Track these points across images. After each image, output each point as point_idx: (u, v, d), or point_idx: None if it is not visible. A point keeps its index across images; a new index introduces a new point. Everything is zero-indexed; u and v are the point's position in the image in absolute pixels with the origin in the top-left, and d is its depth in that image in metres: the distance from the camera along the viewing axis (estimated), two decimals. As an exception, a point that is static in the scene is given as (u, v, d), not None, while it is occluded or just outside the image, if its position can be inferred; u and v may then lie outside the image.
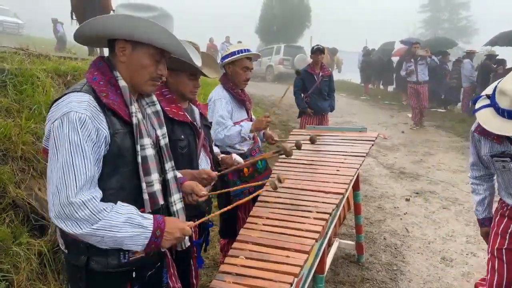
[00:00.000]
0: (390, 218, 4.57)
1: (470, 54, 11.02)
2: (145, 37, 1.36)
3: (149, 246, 1.33)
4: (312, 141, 2.73)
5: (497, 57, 10.29)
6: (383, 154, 7.40)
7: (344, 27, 53.28)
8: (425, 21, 41.00)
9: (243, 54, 2.72)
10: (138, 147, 1.39)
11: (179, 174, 1.78)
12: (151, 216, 1.35)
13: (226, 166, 2.54)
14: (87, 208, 1.23)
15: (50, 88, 3.14)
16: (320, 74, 5.58)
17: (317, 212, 1.97)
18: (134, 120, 1.39)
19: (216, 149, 2.60)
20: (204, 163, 2.28)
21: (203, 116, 2.36)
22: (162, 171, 1.55)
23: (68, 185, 1.23)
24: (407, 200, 5.13)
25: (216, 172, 2.10)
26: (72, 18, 6.48)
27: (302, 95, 5.69)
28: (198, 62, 1.59)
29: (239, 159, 2.48)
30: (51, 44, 12.72)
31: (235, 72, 2.75)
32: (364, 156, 2.81)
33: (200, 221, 1.58)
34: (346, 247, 3.66)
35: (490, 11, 41.92)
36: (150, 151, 1.45)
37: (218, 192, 2.06)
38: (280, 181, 1.69)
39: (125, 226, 1.28)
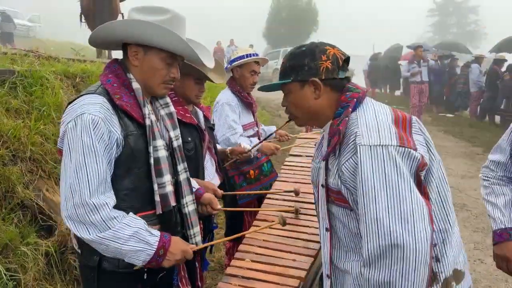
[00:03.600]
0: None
1: (478, 59, 10.93)
2: (155, 42, 1.38)
3: (149, 263, 1.34)
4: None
5: (507, 63, 10.19)
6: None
7: (351, 31, 53.25)
8: (433, 25, 40.88)
9: (251, 58, 2.73)
10: (151, 149, 1.41)
11: (196, 184, 1.81)
12: (158, 234, 1.37)
13: (237, 157, 2.55)
14: (99, 213, 1.26)
15: (59, 90, 3.18)
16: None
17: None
18: (147, 122, 1.41)
19: (219, 146, 2.61)
20: (210, 164, 2.30)
21: (206, 119, 2.37)
22: (175, 173, 1.57)
23: (82, 186, 1.25)
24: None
25: (222, 191, 2.13)
26: (81, 21, 6.56)
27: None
28: (210, 64, 1.60)
29: (247, 146, 2.51)
30: (62, 46, 12.85)
31: (242, 76, 2.76)
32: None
33: (201, 246, 1.59)
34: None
35: (499, 15, 41.66)
36: (163, 153, 1.47)
37: (230, 209, 2.10)
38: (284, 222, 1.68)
39: (130, 240, 1.30)
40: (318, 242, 1.76)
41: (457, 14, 39.32)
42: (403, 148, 1.13)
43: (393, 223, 1.08)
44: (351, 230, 1.25)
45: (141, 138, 1.40)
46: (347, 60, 1.31)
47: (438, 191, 1.23)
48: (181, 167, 1.59)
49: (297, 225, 1.89)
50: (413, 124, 1.23)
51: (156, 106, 1.56)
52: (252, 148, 2.58)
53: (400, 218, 1.08)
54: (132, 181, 1.38)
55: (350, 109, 1.22)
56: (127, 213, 1.35)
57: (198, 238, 1.63)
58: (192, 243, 1.60)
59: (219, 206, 1.83)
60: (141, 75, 1.43)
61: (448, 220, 1.24)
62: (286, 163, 2.77)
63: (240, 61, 2.72)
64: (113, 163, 1.33)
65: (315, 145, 1.53)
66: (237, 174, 2.72)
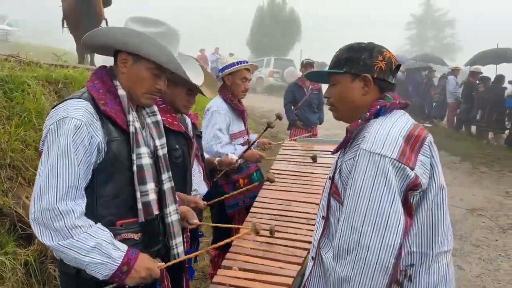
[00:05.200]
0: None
1: (454, 71, 11.30)
2: (145, 53, 1.40)
3: (112, 278, 1.30)
4: (314, 159, 2.79)
5: (481, 75, 10.58)
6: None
7: (333, 42, 54.12)
8: (410, 38, 42.01)
9: (242, 65, 2.77)
10: (134, 156, 1.41)
11: None
12: (124, 249, 1.32)
13: (224, 168, 2.55)
14: (64, 219, 1.23)
15: (41, 96, 3.12)
16: (310, 87, 5.67)
17: (309, 224, 1.98)
18: (131, 129, 1.41)
19: (206, 155, 2.61)
20: (197, 172, 2.29)
21: (194, 126, 2.37)
22: (159, 182, 1.55)
23: (50, 190, 1.24)
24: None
25: (205, 203, 2.12)
26: (63, 26, 6.46)
27: (292, 107, 5.76)
28: (198, 81, 1.61)
29: (234, 156, 2.51)
30: (42, 51, 12.58)
31: (234, 83, 2.78)
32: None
33: (169, 264, 1.53)
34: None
35: (474, 29, 43.24)
36: (146, 160, 1.46)
37: (207, 224, 2.08)
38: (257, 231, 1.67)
39: (92, 252, 1.25)
40: (305, 249, 1.79)
41: (434, 27, 40.58)
42: (399, 163, 1.17)
43: (366, 225, 1.16)
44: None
45: (124, 144, 1.39)
46: (398, 67, 1.35)
47: (432, 216, 1.26)
48: (165, 176, 1.58)
49: (284, 232, 1.91)
50: (424, 145, 1.25)
51: (143, 114, 1.56)
52: (239, 157, 2.58)
53: (374, 223, 1.15)
54: (114, 187, 1.37)
55: (369, 114, 1.27)
56: (108, 220, 1.33)
57: (181, 249, 1.61)
58: (174, 254, 1.58)
59: (196, 220, 1.80)
60: (127, 82, 1.44)
61: (432, 246, 1.26)
62: (272, 170, 2.78)
63: (232, 68, 2.74)
64: (91, 168, 1.32)
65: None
66: (226, 183, 2.72)
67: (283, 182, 2.55)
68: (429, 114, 12.20)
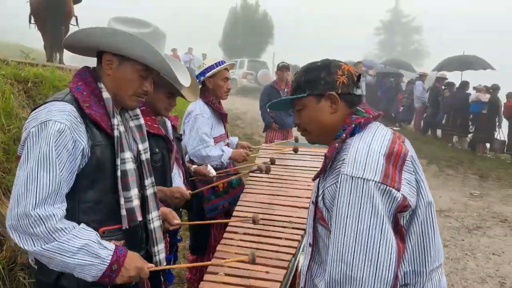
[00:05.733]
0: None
1: (422, 76, 11.74)
2: (132, 53, 1.36)
3: (101, 279, 1.26)
4: (295, 150, 2.78)
5: (447, 81, 11.04)
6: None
7: (306, 45, 54.94)
8: (379, 43, 43.26)
9: (223, 65, 2.75)
10: (118, 161, 1.37)
11: None
12: (112, 247, 1.29)
13: (199, 177, 2.52)
14: (44, 224, 1.19)
15: (9, 95, 2.97)
16: (285, 90, 5.71)
17: (292, 228, 2.00)
18: (116, 133, 1.37)
19: (187, 159, 2.58)
20: (177, 176, 2.26)
21: (174, 129, 2.34)
22: (142, 187, 1.52)
23: (28, 196, 1.19)
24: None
25: (190, 191, 2.09)
26: (30, 23, 6.18)
27: (268, 110, 5.78)
28: (186, 83, 1.59)
29: (212, 171, 2.48)
30: (11, 48, 12.00)
31: (216, 85, 2.75)
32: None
33: (160, 268, 1.52)
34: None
35: (440, 35, 45.07)
36: (130, 165, 1.43)
37: (191, 223, 2.05)
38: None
39: (79, 253, 1.22)
40: (290, 253, 1.80)
41: (402, 33, 41.97)
42: (384, 186, 1.10)
43: (357, 258, 1.08)
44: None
45: (109, 149, 1.36)
46: (359, 77, 1.31)
47: (422, 234, 1.21)
48: (148, 181, 1.55)
49: (269, 236, 1.91)
50: (406, 161, 1.18)
51: (126, 118, 1.52)
52: (214, 176, 2.52)
53: (365, 256, 1.08)
54: (97, 193, 1.33)
55: (345, 135, 1.21)
56: (90, 227, 1.29)
57: (163, 255, 1.58)
58: (156, 261, 1.55)
59: (178, 220, 1.76)
60: (112, 85, 1.40)
61: (425, 264, 1.22)
62: (252, 174, 2.78)
63: (214, 70, 2.71)
64: (75, 174, 1.28)
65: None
66: (203, 184, 2.69)
67: (264, 186, 2.55)
68: (396, 118, 12.60)
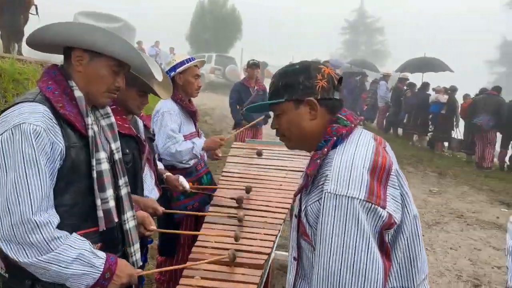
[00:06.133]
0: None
1: (385, 77, 12.15)
2: (105, 49, 1.32)
3: (94, 287, 1.27)
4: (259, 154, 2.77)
5: (408, 81, 11.49)
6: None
7: (273, 42, 55.22)
8: (344, 43, 44.26)
9: (193, 61, 2.69)
10: (94, 161, 1.34)
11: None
12: (104, 256, 1.30)
13: (170, 186, 2.46)
14: (42, 233, 1.16)
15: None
16: (255, 88, 5.73)
17: (267, 228, 2.01)
18: (90, 133, 1.34)
19: (160, 164, 2.52)
20: (148, 177, 2.21)
21: (146, 128, 2.28)
22: (116, 187, 1.49)
23: (22, 203, 1.14)
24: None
25: (163, 209, 2.06)
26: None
27: (238, 107, 5.78)
28: (158, 76, 1.56)
29: (185, 183, 2.43)
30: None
31: (187, 81, 2.69)
32: (303, 171, 2.94)
33: (144, 272, 1.57)
34: (280, 258, 3.75)
35: (402, 36, 46.72)
36: (105, 166, 1.40)
37: (164, 231, 2.04)
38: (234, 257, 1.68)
39: (74, 263, 1.22)
40: (266, 253, 1.81)
41: (366, 33, 43.16)
42: (370, 204, 1.06)
43: (343, 278, 1.05)
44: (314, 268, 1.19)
45: (83, 150, 1.33)
46: (340, 80, 1.25)
47: (408, 249, 1.18)
48: (122, 181, 1.52)
49: (243, 238, 1.91)
50: (391, 176, 1.14)
51: (97, 116, 1.48)
52: (186, 188, 2.45)
53: (352, 275, 1.04)
54: (72, 196, 1.30)
55: (327, 149, 1.16)
56: (67, 231, 1.26)
57: (138, 255, 1.58)
58: (133, 261, 1.54)
59: (154, 226, 1.77)
60: (84, 82, 1.36)
61: (413, 279, 1.19)
62: (224, 173, 2.76)
63: (184, 66, 2.66)
64: (55, 177, 1.24)
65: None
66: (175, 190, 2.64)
67: (236, 186, 2.55)
68: (360, 116, 12.98)
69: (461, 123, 10.19)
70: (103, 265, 1.27)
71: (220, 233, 1.97)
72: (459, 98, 10.23)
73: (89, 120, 1.35)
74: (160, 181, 2.40)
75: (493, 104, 8.53)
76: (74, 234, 1.26)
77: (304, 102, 1.21)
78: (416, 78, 11.85)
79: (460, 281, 3.86)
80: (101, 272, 1.26)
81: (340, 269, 1.05)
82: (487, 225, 5.48)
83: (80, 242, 1.26)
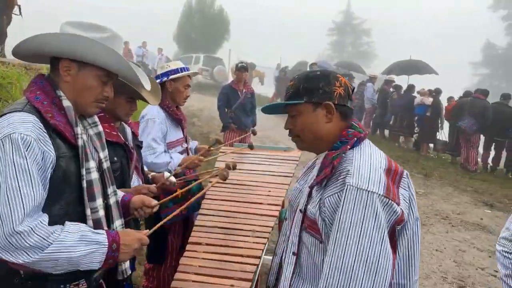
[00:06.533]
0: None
1: (372, 79, 12.27)
2: (93, 59, 1.32)
3: (106, 262, 1.30)
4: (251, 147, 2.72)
5: (394, 84, 11.63)
6: (299, 168, 7.79)
7: (261, 43, 55.28)
8: (332, 44, 44.56)
9: (187, 72, 2.69)
10: (84, 171, 1.35)
11: (120, 193, 1.73)
12: (103, 231, 1.34)
13: (158, 185, 2.44)
14: (36, 234, 1.16)
15: None
16: (244, 91, 5.73)
17: (255, 237, 2.01)
18: (80, 142, 1.35)
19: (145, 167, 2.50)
20: (136, 185, 2.19)
21: (135, 135, 2.26)
22: (105, 196, 1.50)
23: (13, 213, 1.14)
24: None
25: (155, 185, 2.06)
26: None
27: (226, 110, 5.77)
28: (147, 86, 1.56)
29: (172, 179, 2.42)
30: None
31: (176, 90, 2.67)
32: (291, 176, 2.94)
33: (155, 227, 1.56)
34: (269, 263, 3.75)
35: (388, 38, 47.29)
36: (95, 175, 1.41)
37: (168, 198, 2.04)
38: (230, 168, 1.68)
39: (79, 245, 1.24)
40: (255, 264, 1.81)
41: (353, 35, 43.52)
42: (387, 199, 1.16)
43: (356, 268, 1.12)
44: (315, 262, 1.27)
45: (73, 160, 1.34)
46: (352, 91, 1.37)
47: (408, 248, 1.27)
48: (110, 190, 1.54)
49: (231, 246, 1.90)
50: (403, 178, 1.26)
51: (85, 125, 1.49)
52: (170, 176, 2.44)
53: (365, 265, 1.12)
54: (62, 206, 1.31)
55: (349, 147, 1.25)
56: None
57: (128, 263, 1.59)
58: (122, 269, 1.56)
59: (155, 202, 1.78)
60: (72, 92, 1.36)
61: (410, 277, 1.28)
62: (211, 178, 2.74)
63: (178, 74, 2.64)
64: (47, 186, 1.25)
65: (303, 167, 1.56)
66: (163, 193, 2.62)
67: (225, 193, 2.54)
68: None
69: (446, 124, 10.35)
70: (107, 238, 1.30)
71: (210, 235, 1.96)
72: (443, 100, 10.39)
73: (79, 129, 1.36)
74: (146, 182, 2.39)
75: (478, 107, 8.67)
76: (67, 222, 1.27)
77: (322, 106, 1.30)
78: (402, 80, 12.00)
79: (445, 283, 3.92)
80: (107, 245, 1.28)
81: (355, 259, 1.13)
82: (471, 226, 5.58)
83: (77, 226, 1.28)
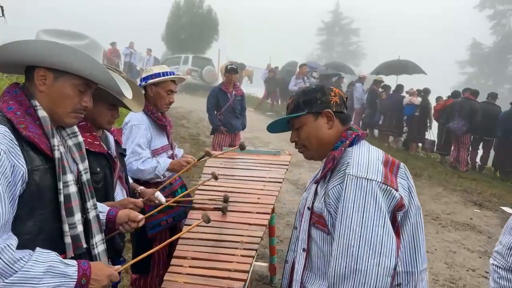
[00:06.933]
0: (298, 236, 4.76)
1: (361, 79, 12.29)
2: (70, 67, 1.25)
3: None
4: (242, 147, 2.61)
5: (383, 84, 11.67)
6: (289, 170, 7.74)
7: (250, 43, 55.23)
8: (321, 44, 44.74)
9: (169, 76, 2.58)
10: (61, 185, 1.27)
11: (104, 208, 1.67)
12: (75, 263, 1.24)
13: (146, 201, 2.35)
14: (1, 258, 1.08)
15: None
16: (234, 93, 5.66)
17: (244, 249, 1.94)
18: (57, 154, 1.27)
19: (131, 179, 2.41)
20: (120, 196, 2.11)
21: (118, 143, 2.18)
22: (84, 211, 1.42)
23: None
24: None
25: (141, 200, 2.01)
26: None
27: (216, 112, 5.69)
28: (128, 94, 1.48)
29: (161, 197, 2.33)
30: None
31: (158, 95, 2.58)
32: (281, 182, 2.88)
33: (124, 267, 1.49)
34: (259, 269, 3.69)
35: (376, 37, 47.64)
36: (73, 189, 1.33)
37: (155, 210, 1.94)
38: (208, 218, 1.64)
39: (45, 277, 1.15)
40: (243, 280, 1.74)
41: (342, 34, 43.73)
42: (385, 186, 1.27)
43: (361, 250, 1.20)
44: (324, 255, 1.35)
45: (49, 173, 1.26)
46: (346, 99, 1.52)
47: (413, 236, 1.34)
48: (90, 203, 1.46)
49: (218, 260, 1.83)
50: (400, 169, 1.38)
51: (63, 136, 1.41)
52: (159, 195, 2.35)
53: (369, 247, 1.20)
54: (36, 222, 1.23)
55: (348, 142, 1.38)
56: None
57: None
58: None
59: (140, 216, 1.72)
60: (48, 102, 1.29)
61: (416, 265, 1.34)
62: (200, 187, 2.66)
63: (157, 79, 2.55)
64: (16, 202, 1.17)
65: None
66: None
67: (212, 201, 2.46)
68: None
69: (434, 124, 10.41)
70: (77, 272, 1.22)
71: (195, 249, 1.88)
72: (432, 99, 10.45)
73: (55, 141, 1.28)
74: (132, 195, 2.30)
75: (467, 109, 8.73)
76: (37, 249, 1.19)
77: (322, 114, 1.44)
78: (391, 80, 12.05)
79: (437, 285, 3.91)
80: (76, 280, 1.21)
81: (360, 241, 1.21)
82: (461, 226, 5.60)
83: (46, 255, 1.18)
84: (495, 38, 35.78)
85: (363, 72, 14.62)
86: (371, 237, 1.21)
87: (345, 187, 1.27)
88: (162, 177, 2.60)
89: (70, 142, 1.42)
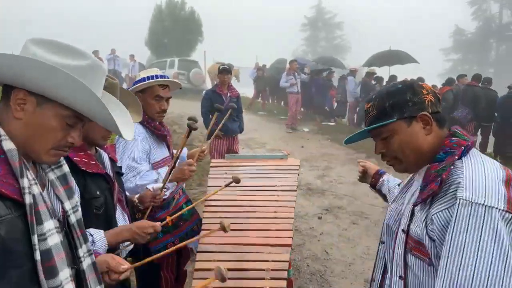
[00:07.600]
0: (308, 241, 4.51)
1: (353, 72, 12.09)
2: (60, 96, 0.98)
3: None
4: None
5: (376, 75, 11.49)
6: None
7: (235, 43, 54.95)
8: (306, 39, 44.73)
9: (154, 80, 2.26)
10: (35, 239, 0.96)
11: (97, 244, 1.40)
12: None
13: (147, 204, 2.06)
14: None
15: None
16: (229, 94, 5.37)
17: (271, 278, 1.65)
18: (28, 199, 0.96)
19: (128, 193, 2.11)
20: (122, 221, 1.81)
21: (113, 162, 1.88)
22: (74, 261, 1.11)
23: None
24: (319, 218, 5.18)
25: (159, 223, 1.71)
26: None
27: (210, 116, 5.39)
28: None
29: (157, 186, 2.05)
30: None
31: (146, 102, 2.26)
32: (295, 190, 2.60)
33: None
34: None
35: (360, 30, 47.82)
36: (55, 239, 1.02)
37: (141, 263, 1.59)
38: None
39: None
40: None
41: (325, 29, 43.77)
42: (510, 215, 1.01)
43: None
44: (424, 286, 1.14)
45: (20, 222, 0.95)
46: (440, 97, 1.28)
47: None
48: (83, 250, 1.15)
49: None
50: None
51: (43, 168, 1.11)
52: (164, 185, 2.09)
53: None
54: (11, 285, 0.92)
55: (456, 157, 1.12)
56: None
57: None
58: None
59: (125, 265, 1.34)
60: (24, 133, 1.00)
61: None
62: (206, 203, 2.37)
63: (139, 84, 2.24)
64: None
65: (398, 185, 1.42)
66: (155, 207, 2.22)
67: (224, 218, 2.16)
68: (331, 113, 12.89)
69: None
70: None
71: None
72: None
73: (25, 181, 0.97)
74: (131, 209, 2.02)
75: (471, 95, 8.55)
76: None
77: (417, 118, 1.20)
78: (383, 72, 11.89)
79: None
80: None
81: (472, 282, 0.99)
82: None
83: None
84: (477, 24, 36.11)
85: (351, 65, 14.44)
86: (488, 278, 0.97)
87: (456, 215, 1.03)
88: (165, 189, 2.30)
89: (52, 175, 1.12)
